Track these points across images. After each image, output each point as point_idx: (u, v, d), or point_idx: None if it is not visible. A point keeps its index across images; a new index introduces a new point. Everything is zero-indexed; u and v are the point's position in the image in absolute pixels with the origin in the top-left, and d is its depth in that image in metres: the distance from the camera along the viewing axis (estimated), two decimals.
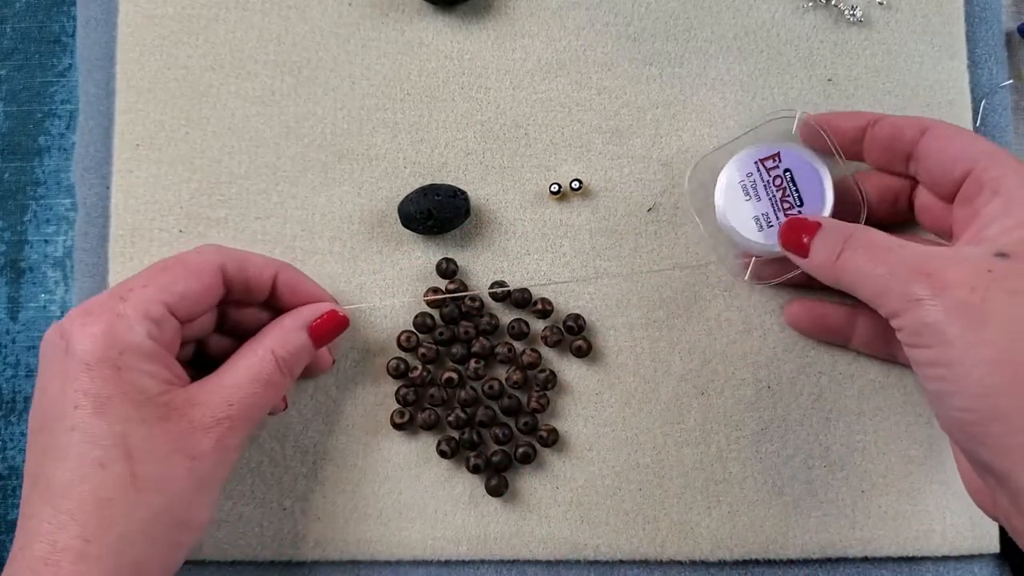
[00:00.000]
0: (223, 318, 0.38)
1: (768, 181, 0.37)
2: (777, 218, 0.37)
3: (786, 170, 0.37)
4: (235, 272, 0.36)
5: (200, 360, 0.38)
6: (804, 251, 0.34)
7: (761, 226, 0.37)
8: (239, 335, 0.37)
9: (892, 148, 0.36)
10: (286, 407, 0.40)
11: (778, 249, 0.37)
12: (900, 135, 0.35)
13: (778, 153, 0.37)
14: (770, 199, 0.37)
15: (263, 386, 0.34)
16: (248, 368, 0.34)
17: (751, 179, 0.37)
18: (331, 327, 0.37)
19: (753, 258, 0.38)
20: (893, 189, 0.37)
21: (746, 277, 0.38)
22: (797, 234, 0.34)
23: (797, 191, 0.37)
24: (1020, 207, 0.31)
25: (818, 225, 0.34)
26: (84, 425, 0.30)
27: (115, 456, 0.30)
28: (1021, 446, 0.27)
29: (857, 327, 0.39)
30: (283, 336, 0.35)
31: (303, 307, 0.37)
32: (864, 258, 0.31)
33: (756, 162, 0.37)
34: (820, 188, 0.37)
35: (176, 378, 0.33)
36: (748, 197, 0.37)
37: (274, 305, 0.38)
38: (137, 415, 0.31)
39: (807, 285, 0.40)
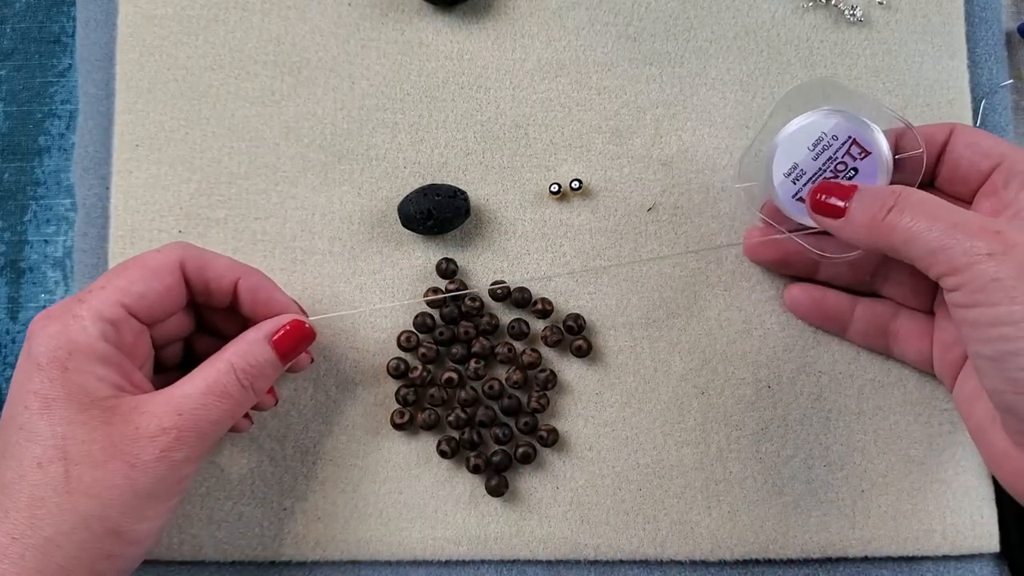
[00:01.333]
0: (205, 321, 0.38)
1: (834, 156, 0.36)
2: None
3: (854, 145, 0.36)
4: (194, 273, 0.35)
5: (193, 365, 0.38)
6: (838, 212, 0.34)
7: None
8: (226, 339, 0.36)
9: (926, 156, 0.36)
10: (251, 423, 0.39)
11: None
12: (931, 138, 0.36)
13: (852, 138, 0.36)
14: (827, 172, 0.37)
15: (218, 398, 0.32)
16: (204, 379, 0.33)
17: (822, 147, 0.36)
18: (295, 339, 0.35)
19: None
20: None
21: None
22: (830, 196, 0.34)
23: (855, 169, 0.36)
24: None
25: (855, 187, 0.34)
26: (29, 424, 0.30)
27: (52, 456, 0.30)
28: None
29: (855, 315, 0.39)
30: (244, 348, 0.34)
31: (268, 320, 0.35)
32: (919, 215, 0.31)
33: (849, 138, 0.36)
34: (875, 168, 0.36)
35: (130, 384, 0.32)
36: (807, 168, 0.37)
37: (239, 313, 0.37)
38: (79, 417, 0.30)
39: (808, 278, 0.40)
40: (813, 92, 0.37)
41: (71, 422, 0.30)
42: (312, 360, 0.39)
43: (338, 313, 0.40)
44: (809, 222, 0.36)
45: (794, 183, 0.36)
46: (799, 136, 0.36)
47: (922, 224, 0.30)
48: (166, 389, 0.32)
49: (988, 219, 0.30)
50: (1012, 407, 0.30)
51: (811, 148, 0.36)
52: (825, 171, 0.36)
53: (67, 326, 0.31)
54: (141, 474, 0.30)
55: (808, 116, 0.36)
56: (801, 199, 0.36)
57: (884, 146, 0.36)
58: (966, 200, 0.36)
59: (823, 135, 0.36)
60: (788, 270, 0.40)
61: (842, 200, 0.34)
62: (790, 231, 0.37)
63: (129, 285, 0.33)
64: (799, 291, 0.40)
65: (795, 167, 0.36)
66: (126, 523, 0.31)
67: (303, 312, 0.37)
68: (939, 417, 0.40)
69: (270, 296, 0.36)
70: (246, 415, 0.38)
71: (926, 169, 0.37)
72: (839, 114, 0.36)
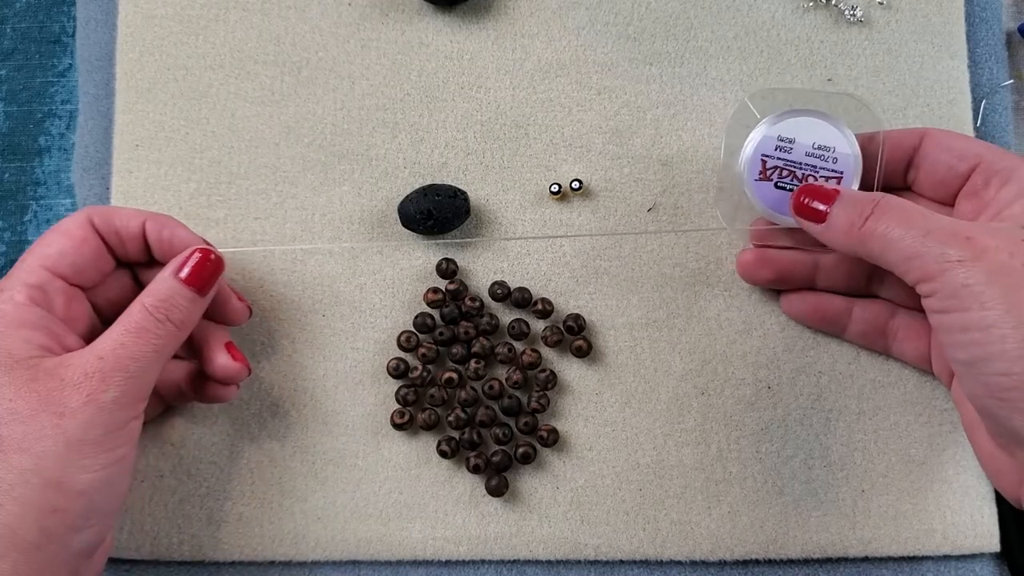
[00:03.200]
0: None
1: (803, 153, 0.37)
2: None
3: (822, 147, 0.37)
4: (103, 225, 0.36)
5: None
6: (820, 217, 0.34)
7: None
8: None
9: (892, 160, 0.36)
10: (237, 390, 0.39)
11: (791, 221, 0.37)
12: (899, 144, 0.36)
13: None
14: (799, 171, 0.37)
15: (134, 335, 0.33)
16: (119, 322, 0.34)
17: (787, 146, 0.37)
18: (199, 268, 0.35)
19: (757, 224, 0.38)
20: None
21: (749, 243, 0.39)
22: (812, 199, 0.35)
23: (829, 168, 0.37)
24: None
25: (837, 192, 0.34)
26: None
27: None
28: None
29: (853, 317, 0.39)
30: (154, 285, 0.34)
31: (176, 257, 0.36)
32: (895, 222, 0.31)
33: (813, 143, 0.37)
34: (850, 169, 0.37)
35: (59, 346, 0.33)
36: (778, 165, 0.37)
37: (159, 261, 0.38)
38: (6, 380, 0.31)
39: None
40: (776, 97, 0.38)
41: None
42: (250, 313, 0.39)
43: (254, 249, 0.41)
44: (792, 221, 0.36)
45: (769, 179, 0.37)
46: (765, 141, 0.37)
47: (897, 231, 0.31)
48: (89, 344, 0.33)
49: (961, 224, 0.31)
50: (989, 410, 0.30)
51: (777, 147, 0.37)
52: (799, 166, 0.37)
53: None
54: (70, 421, 0.31)
55: (773, 119, 0.37)
56: (780, 186, 0.37)
57: (852, 144, 0.36)
58: (948, 203, 0.36)
59: (782, 139, 0.37)
60: (786, 285, 0.40)
61: (824, 204, 0.34)
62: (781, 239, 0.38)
63: (46, 249, 0.34)
64: (796, 296, 0.40)
65: (766, 162, 0.37)
66: (65, 474, 0.31)
67: (209, 246, 0.37)
68: (939, 417, 0.40)
69: (173, 234, 0.37)
70: (228, 384, 0.38)
71: (896, 175, 0.37)
72: (801, 114, 0.37)
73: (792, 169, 0.37)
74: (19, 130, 0.45)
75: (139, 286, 0.38)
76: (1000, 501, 0.40)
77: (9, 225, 0.44)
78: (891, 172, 0.37)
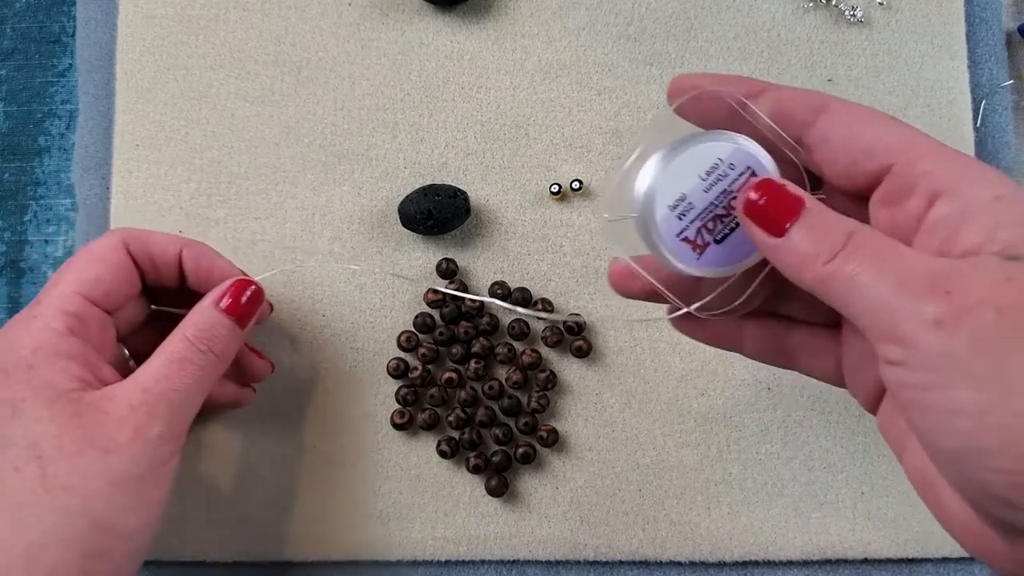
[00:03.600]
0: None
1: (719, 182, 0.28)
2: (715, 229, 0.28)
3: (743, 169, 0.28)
4: (138, 250, 0.35)
5: None
6: (777, 231, 0.26)
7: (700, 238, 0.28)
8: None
9: (781, 124, 0.27)
10: (253, 393, 0.39)
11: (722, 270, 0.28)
12: (789, 115, 0.27)
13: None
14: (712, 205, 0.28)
15: (178, 366, 0.32)
16: (162, 353, 0.32)
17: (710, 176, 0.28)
18: (239, 298, 0.34)
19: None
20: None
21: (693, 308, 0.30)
22: (771, 203, 0.26)
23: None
24: (982, 206, 0.24)
25: (802, 203, 0.26)
26: (3, 430, 0.30)
27: (26, 457, 0.29)
28: None
29: (745, 333, 0.32)
30: (195, 316, 0.33)
31: (217, 288, 0.35)
32: (867, 264, 0.24)
33: (747, 168, 0.27)
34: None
35: (96, 378, 0.32)
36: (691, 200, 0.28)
37: (190, 290, 0.37)
38: (47, 413, 0.29)
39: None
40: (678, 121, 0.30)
41: (40, 419, 0.29)
42: (271, 308, 0.39)
43: (281, 269, 0.41)
44: (693, 271, 0.28)
45: (680, 218, 0.27)
46: (690, 161, 0.27)
47: (867, 276, 0.24)
48: (130, 376, 0.32)
49: (939, 267, 0.23)
50: (985, 507, 0.23)
51: (704, 177, 0.27)
52: (718, 206, 0.28)
53: (29, 327, 0.31)
54: (118, 458, 0.29)
55: (702, 139, 0.27)
56: (686, 239, 0.28)
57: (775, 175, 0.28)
58: (863, 199, 0.27)
59: (719, 162, 0.27)
60: (661, 301, 0.32)
61: (786, 219, 0.26)
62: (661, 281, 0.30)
63: (80, 274, 0.33)
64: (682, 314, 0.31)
65: (683, 199, 0.27)
66: (112, 514, 0.29)
67: (244, 275, 0.37)
68: None
69: (211, 264, 0.36)
70: (247, 385, 0.39)
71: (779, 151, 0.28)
72: (737, 138, 0.27)
73: (713, 208, 0.28)
74: (19, 130, 0.45)
75: (146, 304, 0.37)
76: None
77: (9, 225, 0.44)
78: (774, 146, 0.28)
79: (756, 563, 0.40)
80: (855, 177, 0.27)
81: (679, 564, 0.40)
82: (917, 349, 0.23)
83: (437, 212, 0.40)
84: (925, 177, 0.25)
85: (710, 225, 0.28)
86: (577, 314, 0.41)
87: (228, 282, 0.35)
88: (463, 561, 0.40)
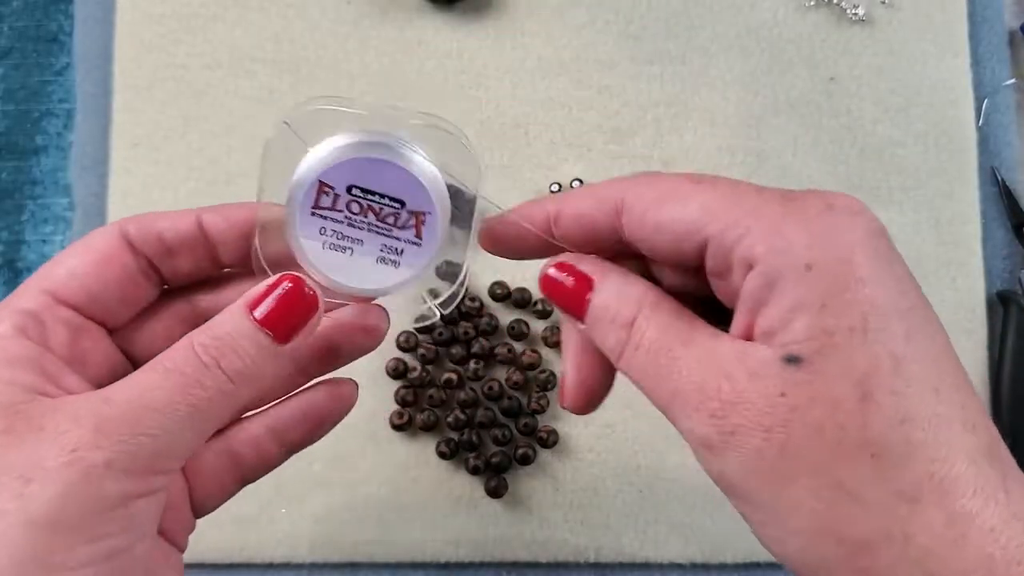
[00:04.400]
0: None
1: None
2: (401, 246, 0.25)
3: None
4: (140, 233, 0.26)
5: None
6: (579, 317, 0.24)
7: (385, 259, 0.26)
8: None
9: (596, 239, 0.25)
10: (284, 454, 0.28)
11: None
12: (592, 225, 0.25)
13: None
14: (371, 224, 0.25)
15: (161, 377, 0.22)
16: (152, 361, 0.23)
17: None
18: (280, 303, 0.24)
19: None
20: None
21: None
22: (575, 284, 0.24)
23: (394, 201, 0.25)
24: (789, 278, 0.21)
25: (589, 283, 0.24)
26: None
27: None
28: None
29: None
30: (215, 318, 0.24)
31: (256, 287, 0.25)
32: (645, 372, 0.23)
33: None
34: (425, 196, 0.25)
35: (56, 387, 0.23)
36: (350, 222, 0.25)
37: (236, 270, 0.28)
38: None
39: None
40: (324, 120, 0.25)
41: None
42: (370, 338, 0.28)
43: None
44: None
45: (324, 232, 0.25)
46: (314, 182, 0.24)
47: (646, 383, 0.23)
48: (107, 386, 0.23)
49: (715, 373, 0.21)
50: None
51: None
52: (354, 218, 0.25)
53: None
54: (39, 489, 0.20)
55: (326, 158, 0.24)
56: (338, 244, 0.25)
57: (428, 175, 0.25)
58: (699, 276, 0.24)
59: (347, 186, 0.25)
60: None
61: (579, 308, 0.24)
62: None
63: (52, 267, 0.25)
64: (572, 385, 0.28)
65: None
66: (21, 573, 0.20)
67: (302, 276, 0.25)
68: None
69: (243, 216, 0.26)
70: (282, 446, 0.27)
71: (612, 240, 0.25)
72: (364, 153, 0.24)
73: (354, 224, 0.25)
74: (16, 129, 0.45)
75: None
76: None
77: (6, 225, 0.44)
78: (599, 250, 0.25)
79: (758, 564, 0.40)
80: (683, 260, 0.24)
81: (680, 566, 0.40)
82: (704, 461, 0.22)
83: None
84: (738, 245, 0.22)
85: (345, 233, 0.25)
86: None
87: (272, 279, 0.24)
88: (463, 563, 0.40)
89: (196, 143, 0.42)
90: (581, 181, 0.41)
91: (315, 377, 0.28)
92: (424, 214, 0.25)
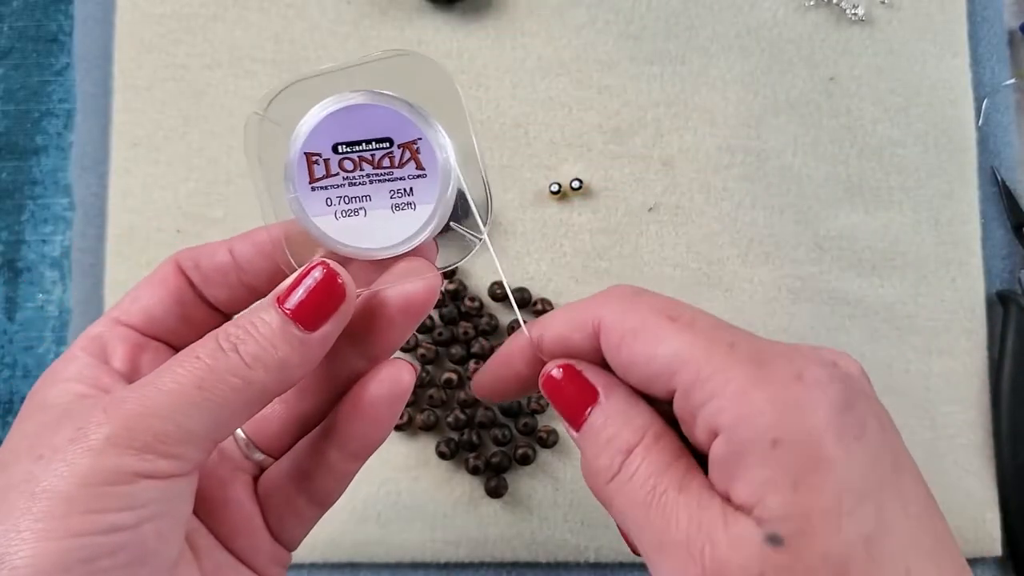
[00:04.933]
0: None
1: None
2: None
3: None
4: (185, 259, 0.27)
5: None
6: (576, 423, 0.24)
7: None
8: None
9: (584, 357, 0.25)
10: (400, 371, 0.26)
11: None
12: (576, 347, 0.25)
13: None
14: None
15: (180, 358, 0.23)
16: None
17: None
18: (308, 292, 0.23)
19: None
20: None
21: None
22: (579, 392, 0.24)
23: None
24: (757, 454, 0.21)
25: (593, 395, 0.24)
26: None
27: None
28: None
29: None
30: (247, 313, 0.24)
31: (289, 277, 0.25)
32: (633, 510, 0.22)
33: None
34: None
35: (100, 392, 0.24)
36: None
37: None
38: (17, 428, 0.23)
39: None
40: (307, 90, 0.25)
41: (8, 439, 0.23)
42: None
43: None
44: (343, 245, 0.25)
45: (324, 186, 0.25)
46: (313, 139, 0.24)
47: (632, 522, 0.22)
48: None
49: (696, 544, 0.21)
50: None
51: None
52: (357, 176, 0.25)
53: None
54: (44, 464, 0.21)
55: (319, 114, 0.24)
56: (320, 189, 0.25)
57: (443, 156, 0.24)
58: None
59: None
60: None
61: (578, 416, 0.24)
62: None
63: (123, 298, 0.27)
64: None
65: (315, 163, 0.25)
66: (12, 546, 0.20)
67: (331, 264, 0.24)
68: (942, 420, 0.40)
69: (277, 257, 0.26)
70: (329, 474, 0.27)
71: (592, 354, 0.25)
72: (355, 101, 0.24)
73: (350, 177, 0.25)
74: (16, 129, 0.44)
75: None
76: (1005, 506, 0.39)
77: (6, 225, 0.44)
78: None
79: None
80: (655, 394, 0.24)
81: None
82: None
83: None
84: (703, 408, 0.22)
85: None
86: None
87: (305, 266, 0.24)
88: (463, 563, 0.40)
89: (196, 143, 0.42)
90: (581, 181, 0.41)
91: (380, 356, 0.27)
92: (415, 141, 0.24)
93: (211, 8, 0.42)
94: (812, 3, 0.42)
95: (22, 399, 0.43)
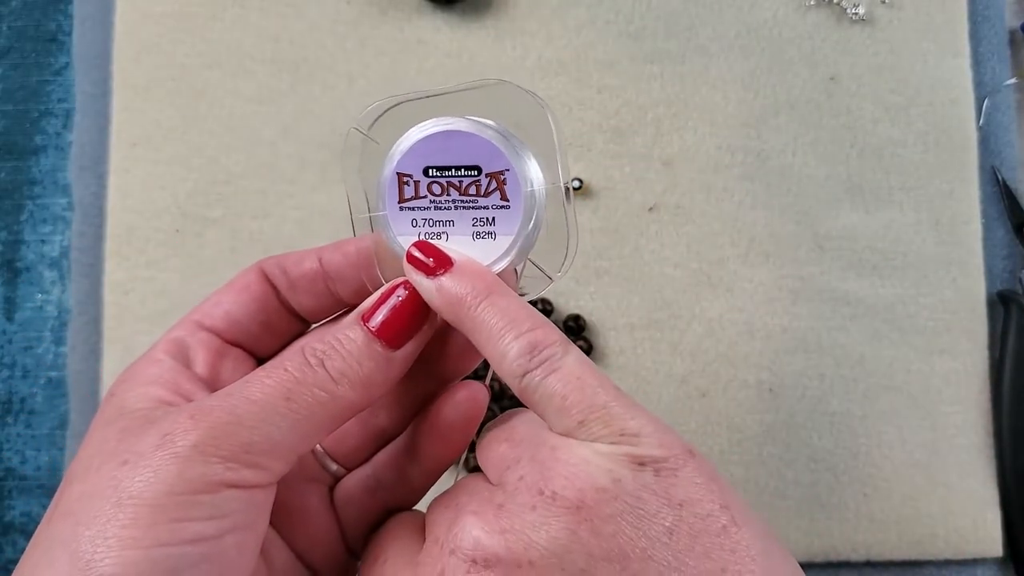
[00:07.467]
0: None
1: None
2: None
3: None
4: (270, 266, 0.27)
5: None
6: (428, 271, 0.24)
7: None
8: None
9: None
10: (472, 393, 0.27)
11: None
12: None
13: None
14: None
15: (267, 370, 0.23)
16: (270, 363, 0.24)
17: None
18: (393, 310, 0.24)
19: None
20: None
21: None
22: (425, 256, 0.25)
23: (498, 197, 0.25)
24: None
25: (450, 263, 0.24)
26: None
27: (60, 490, 0.23)
28: None
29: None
30: (332, 328, 0.25)
31: (372, 296, 0.26)
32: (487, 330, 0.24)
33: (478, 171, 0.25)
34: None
35: (182, 398, 0.24)
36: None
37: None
38: (98, 434, 0.23)
39: None
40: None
41: (90, 441, 0.23)
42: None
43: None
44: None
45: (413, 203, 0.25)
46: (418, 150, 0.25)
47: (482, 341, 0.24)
48: None
49: (480, 502, 0.21)
50: None
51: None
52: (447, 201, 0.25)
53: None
54: (130, 470, 0.21)
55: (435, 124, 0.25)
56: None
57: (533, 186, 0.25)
58: None
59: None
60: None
61: (436, 268, 0.24)
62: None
63: (205, 301, 0.27)
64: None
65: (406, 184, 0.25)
66: (98, 553, 0.20)
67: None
68: (943, 421, 0.40)
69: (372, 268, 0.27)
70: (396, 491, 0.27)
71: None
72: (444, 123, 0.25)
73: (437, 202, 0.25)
74: (15, 129, 0.44)
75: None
76: (1006, 506, 0.39)
77: (5, 224, 0.44)
78: None
79: None
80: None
81: None
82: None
83: None
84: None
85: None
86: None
87: (388, 286, 0.25)
88: None
89: (195, 143, 0.42)
90: (581, 181, 0.41)
91: (451, 378, 0.27)
92: (502, 172, 0.25)
93: (210, 8, 0.42)
94: (813, 3, 0.42)
95: (21, 399, 0.43)
